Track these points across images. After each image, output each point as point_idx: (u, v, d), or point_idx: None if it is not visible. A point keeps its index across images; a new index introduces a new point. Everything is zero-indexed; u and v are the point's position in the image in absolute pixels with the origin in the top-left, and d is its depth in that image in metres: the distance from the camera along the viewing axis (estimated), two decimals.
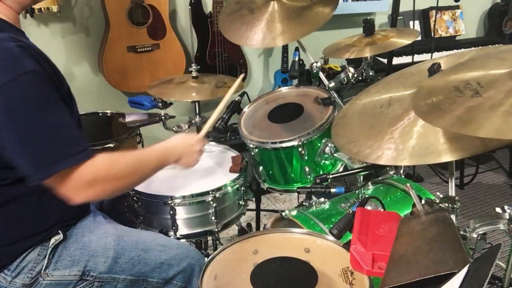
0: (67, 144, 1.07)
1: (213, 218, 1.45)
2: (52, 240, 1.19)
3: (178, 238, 1.46)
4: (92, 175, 1.09)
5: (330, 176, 1.39)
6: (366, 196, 1.45)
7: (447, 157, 0.90)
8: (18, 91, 1.01)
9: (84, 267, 1.21)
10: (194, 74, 1.91)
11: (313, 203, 1.57)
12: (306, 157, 1.56)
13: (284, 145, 1.55)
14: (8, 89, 1.00)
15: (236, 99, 1.81)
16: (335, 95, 1.70)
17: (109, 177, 1.14)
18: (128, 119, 1.89)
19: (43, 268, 1.18)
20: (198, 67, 1.92)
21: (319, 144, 1.54)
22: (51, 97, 1.07)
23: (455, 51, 3.12)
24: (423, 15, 3.25)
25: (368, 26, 1.72)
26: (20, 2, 1.15)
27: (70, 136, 1.08)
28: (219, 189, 1.44)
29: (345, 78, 1.74)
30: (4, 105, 1.00)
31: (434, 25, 3.10)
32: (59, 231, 1.21)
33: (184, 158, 1.36)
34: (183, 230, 1.46)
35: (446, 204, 1.01)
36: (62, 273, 1.19)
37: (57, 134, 1.06)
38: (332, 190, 1.39)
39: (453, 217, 0.99)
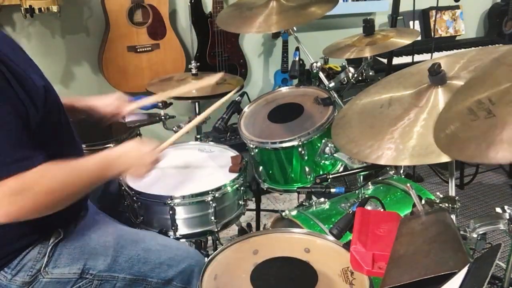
0: None
1: (212, 218, 1.45)
2: (52, 239, 1.19)
3: (178, 238, 1.45)
4: (15, 188, 0.98)
5: (330, 176, 1.38)
6: (366, 196, 1.45)
7: (447, 157, 0.90)
8: None
9: (84, 265, 1.21)
10: (193, 71, 1.91)
11: (313, 203, 1.57)
12: (306, 157, 1.56)
13: (284, 145, 1.55)
14: None
15: (236, 99, 1.81)
16: (335, 95, 1.71)
17: (35, 191, 1.01)
18: (128, 119, 1.89)
19: (43, 266, 1.18)
20: (198, 64, 1.92)
21: (319, 144, 1.54)
22: None
23: (455, 51, 3.12)
24: (423, 15, 3.25)
25: (368, 26, 1.72)
26: None
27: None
28: (218, 189, 1.44)
29: (345, 78, 1.74)
30: None
31: (434, 25, 3.10)
32: (59, 229, 1.21)
33: (131, 169, 1.23)
34: (182, 230, 1.45)
35: (446, 204, 1.01)
36: (62, 271, 1.19)
37: None
38: (332, 190, 1.39)
39: (453, 217, 0.99)
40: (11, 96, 1.01)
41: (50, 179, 1.05)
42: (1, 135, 0.98)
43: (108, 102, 1.51)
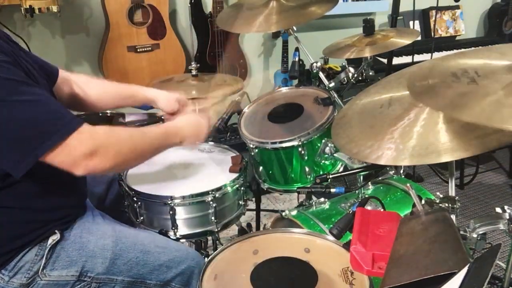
0: (48, 122, 1.03)
1: (213, 218, 1.45)
2: (50, 240, 1.19)
3: (178, 238, 1.45)
4: (92, 144, 1.06)
5: (330, 176, 1.38)
6: (366, 196, 1.45)
7: (447, 157, 0.90)
8: None
9: (82, 267, 1.20)
10: (194, 72, 1.91)
11: (313, 203, 1.57)
12: (306, 157, 1.56)
13: (284, 145, 1.55)
14: None
15: (236, 99, 1.81)
16: (335, 95, 1.70)
17: (109, 146, 1.10)
18: (128, 119, 1.89)
19: (41, 268, 1.18)
20: (198, 65, 1.92)
21: (319, 144, 1.54)
22: (20, 79, 1.04)
23: (455, 51, 3.12)
24: (423, 15, 3.25)
25: (368, 26, 1.72)
26: None
27: (50, 112, 1.05)
28: (218, 189, 1.44)
29: (345, 78, 1.74)
30: None
31: (434, 25, 3.10)
32: (56, 231, 1.20)
33: (190, 140, 1.35)
34: (183, 230, 1.45)
35: (446, 204, 1.01)
36: (60, 273, 1.19)
37: (34, 115, 1.03)
38: (332, 190, 1.39)
39: (453, 217, 0.99)
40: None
41: (120, 138, 1.14)
42: (51, 105, 1.06)
43: (170, 101, 1.55)
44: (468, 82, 0.78)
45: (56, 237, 1.20)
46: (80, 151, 1.05)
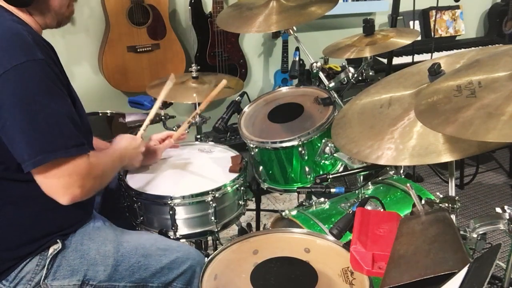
0: (68, 135, 1.08)
1: (212, 218, 1.45)
2: (51, 250, 1.18)
3: (178, 238, 1.45)
4: (86, 171, 1.11)
5: (330, 176, 1.38)
6: (366, 196, 1.45)
7: (447, 157, 0.90)
8: (28, 75, 1.04)
9: (84, 276, 1.20)
10: (194, 74, 1.91)
11: (313, 203, 1.57)
12: (306, 157, 1.56)
13: (284, 145, 1.55)
14: (18, 72, 1.03)
15: (236, 99, 1.81)
16: (335, 95, 1.70)
17: (97, 175, 1.16)
18: (128, 119, 1.89)
19: (42, 279, 1.17)
20: (199, 67, 1.92)
21: (319, 144, 1.54)
22: (58, 87, 1.10)
23: (455, 51, 3.12)
24: (423, 15, 3.25)
25: (368, 26, 1.72)
26: (46, 23, 1.26)
27: (71, 128, 1.10)
28: (218, 189, 1.44)
29: (345, 78, 1.74)
30: (14, 85, 1.03)
31: (434, 25, 3.10)
32: (58, 240, 1.19)
33: (132, 160, 1.42)
34: (183, 230, 1.45)
35: (446, 204, 1.01)
36: (61, 283, 1.19)
37: (59, 123, 1.07)
38: (332, 190, 1.39)
39: (453, 217, 0.99)
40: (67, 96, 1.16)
41: (102, 164, 1.20)
42: (68, 121, 1.10)
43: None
44: (468, 96, 0.76)
45: (57, 246, 1.19)
46: (79, 175, 1.10)
